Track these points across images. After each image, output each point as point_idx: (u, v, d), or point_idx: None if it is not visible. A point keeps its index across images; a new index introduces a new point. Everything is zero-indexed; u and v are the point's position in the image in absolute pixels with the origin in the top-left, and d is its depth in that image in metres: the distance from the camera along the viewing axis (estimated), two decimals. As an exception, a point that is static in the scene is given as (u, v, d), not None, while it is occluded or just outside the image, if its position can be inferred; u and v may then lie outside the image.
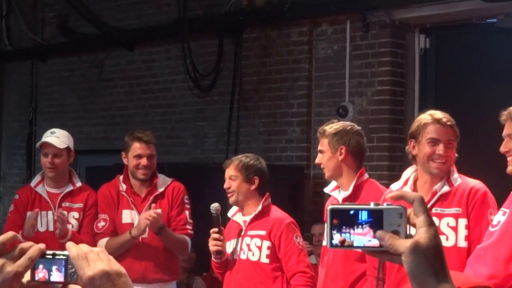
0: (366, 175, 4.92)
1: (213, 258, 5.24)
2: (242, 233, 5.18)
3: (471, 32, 7.52)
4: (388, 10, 7.61)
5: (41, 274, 1.88)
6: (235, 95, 8.71)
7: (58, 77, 10.77)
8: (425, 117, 4.39)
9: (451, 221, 4.25)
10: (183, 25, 8.57)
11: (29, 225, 5.59)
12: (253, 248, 5.13)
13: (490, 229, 3.88)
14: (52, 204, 5.84)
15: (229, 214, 5.31)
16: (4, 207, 11.19)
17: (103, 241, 5.70)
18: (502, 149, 3.98)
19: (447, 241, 4.21)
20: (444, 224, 4.26)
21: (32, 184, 5.96)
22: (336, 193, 4.96)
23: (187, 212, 5.83)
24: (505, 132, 3.98)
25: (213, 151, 8.89)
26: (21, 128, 11.20)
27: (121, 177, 5.89)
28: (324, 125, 5.00)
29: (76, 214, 5.85)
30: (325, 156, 4.88)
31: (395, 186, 4.51)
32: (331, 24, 8.05)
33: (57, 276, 1.88)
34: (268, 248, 5.09)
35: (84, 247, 1.87)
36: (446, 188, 4.29)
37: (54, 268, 1.88)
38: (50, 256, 1.88)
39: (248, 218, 5.18)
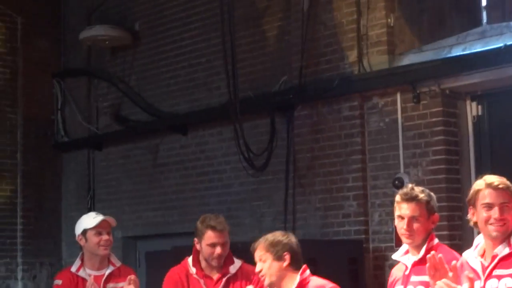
0: (436, 240, 4.92)
1: None
2: None
3: (523, 97, 7.48)
4: (437, 80, 7.62)
5: None
6: (289, 173, 8.72)
7: (114, 164, 10.92)
8: (479, 183, 4.41)
9: (509, 281, 4.22)
10: (234, 106, 8.67)
11: None
12: None
13: None
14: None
15: None
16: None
17: None
18: None
19: None
20: (502, 285, 4.23)
21: (73, 269, 5.99)
22: (406, 258, 4.94)
23: None
24: None
25: (270, 230, 8.83)
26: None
27: (189, 260, 5.85)
28: (408, 191, 4.96)
29: None
30: (420, 223, 4.83)
31: (467, 253, 4.50)
32: (382, 97, 8.08)
33: None
34: None
35: None
36: (506, 251, 4.29)
37: None
38: None
39: None
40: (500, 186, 4.33)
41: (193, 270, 5.79)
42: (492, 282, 4.28)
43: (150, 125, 10.30)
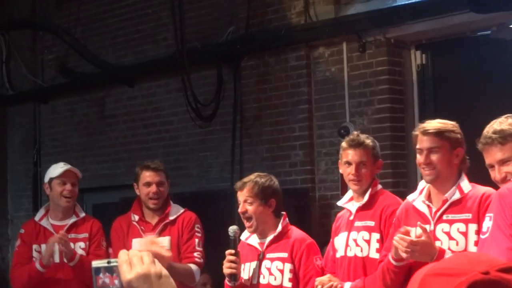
0: (380, 185, 5.04)
1: (226, 282, 5.08)
2: (261, 257, 5.04)
3: (466, 45, 7.57)
4: (382, 29, 7.67)
5: (107, 280, 2.05)
6: (236, 123, 8.75)
7: (60, 117, 10.84)
8: (416, 128, 4.55)
9: (461, 226, 4.30)
10: (181, 57, 8.64)
11: (48, 254, 5.69)
12: (274, 272, 4.99)
13: (481, 236, 3.93)
14: None
15: (242, 237, 5.16)
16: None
17: None
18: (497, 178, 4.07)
19: (457, 246, 4.26)
20: (454, 230, 4.31)
21: (37, 218, 6.06)
22: (350, 204, 5.01)
23: (196, 240, 5.81)
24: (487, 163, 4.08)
25: (218, 180, 8.92)
26: (26, 171, 11.24)
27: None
28: (354, 137, 5.05)
29: (82, 244, 5.94)
30: (367, 168, 4.96)
31: (411, 197, 4.57)
32: (328, 47, 8.11)
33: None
34: (291, 271, 4.97)
35: (132, 252, 1.96)
36: (457, 195, 4.36)
37: (114, 275, 2.04)
38: (107, 264, 2.06)
39: (266, 240, 5.05)
40: (430, 131, 4.40)
41: (135, 217, 5.88)
42: (444, 226, 4.34)
43: (97, 77, 10.21)
